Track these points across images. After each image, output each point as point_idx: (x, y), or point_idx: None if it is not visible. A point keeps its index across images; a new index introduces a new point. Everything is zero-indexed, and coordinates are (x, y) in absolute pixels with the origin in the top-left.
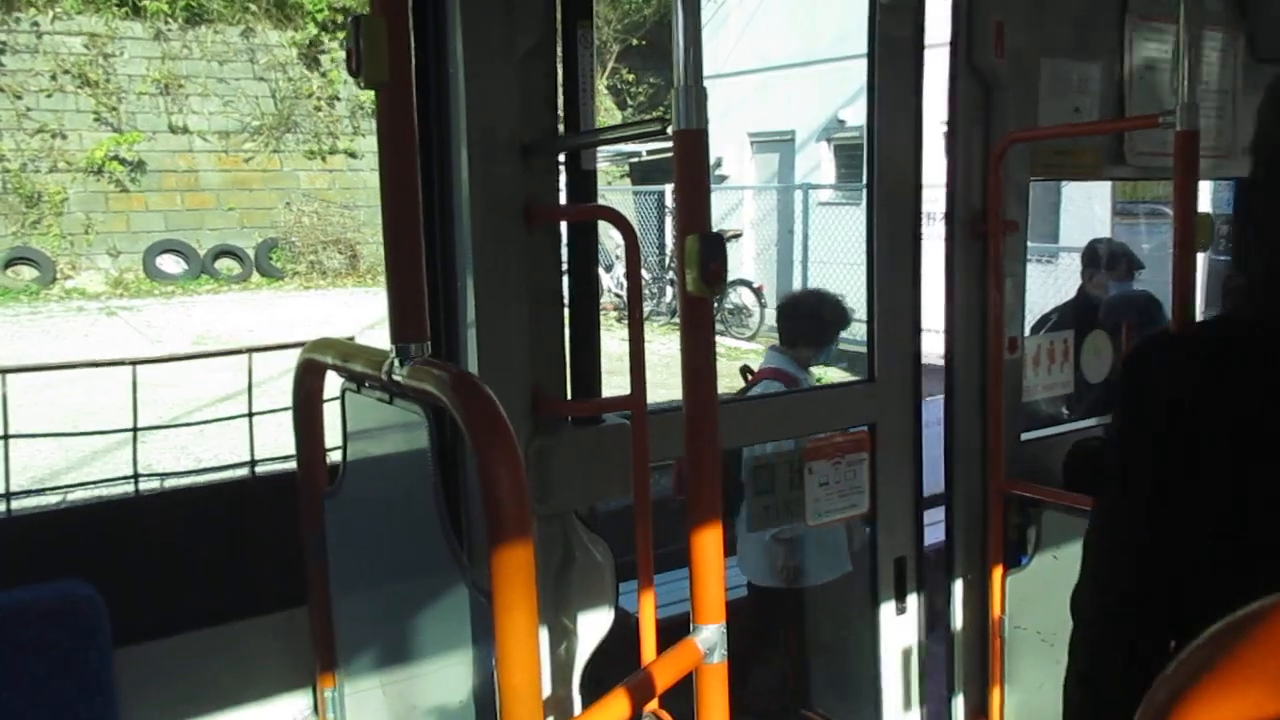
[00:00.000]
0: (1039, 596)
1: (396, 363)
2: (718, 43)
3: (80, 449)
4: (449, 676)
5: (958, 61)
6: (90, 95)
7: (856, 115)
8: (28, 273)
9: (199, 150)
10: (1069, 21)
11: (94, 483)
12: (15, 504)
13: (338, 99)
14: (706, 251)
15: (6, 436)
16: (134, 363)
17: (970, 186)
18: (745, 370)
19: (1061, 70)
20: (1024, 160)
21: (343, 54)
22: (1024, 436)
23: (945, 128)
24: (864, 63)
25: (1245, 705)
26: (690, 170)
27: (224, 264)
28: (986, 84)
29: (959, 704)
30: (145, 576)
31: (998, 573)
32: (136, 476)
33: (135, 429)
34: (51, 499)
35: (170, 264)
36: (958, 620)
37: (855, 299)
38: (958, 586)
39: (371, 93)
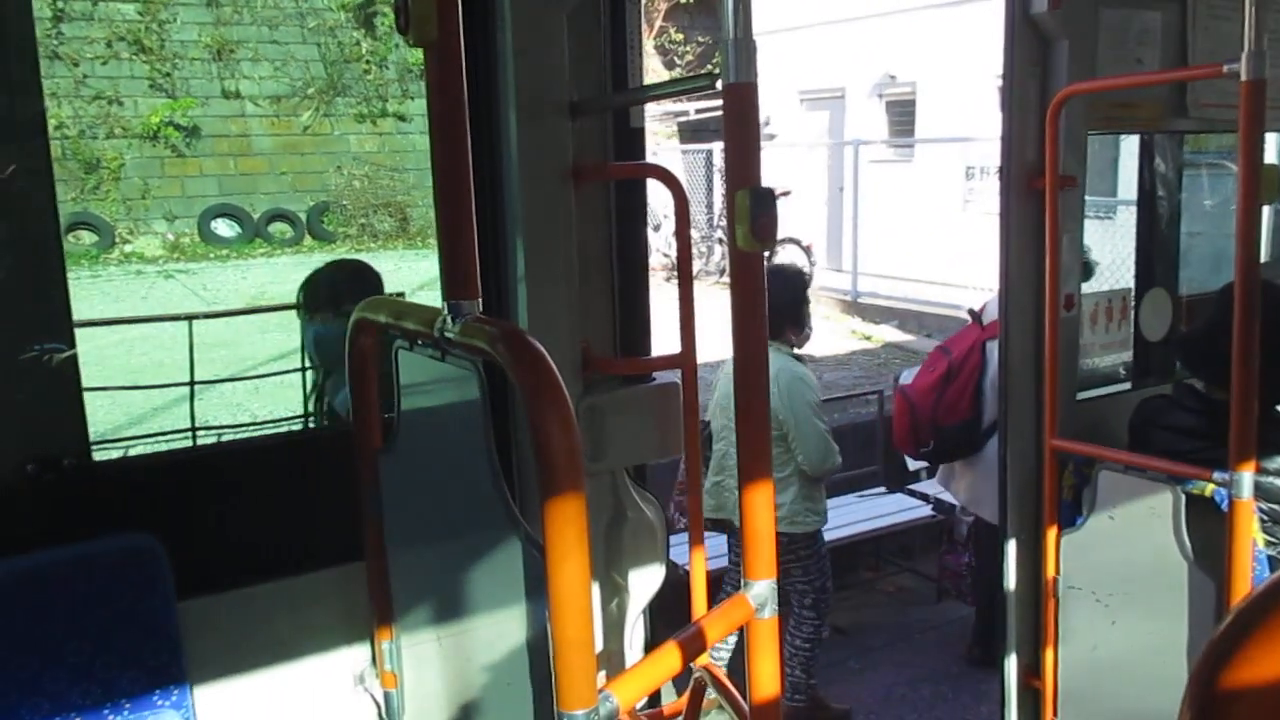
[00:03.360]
0: (1094, 556)
1: (449, 320)
2: None
3: (139, 405)
4: (503, 629)
5: (1014, 13)
6: (145, 62)
7: (907, 71)
8: (88, 237)
9: (251, 115)
10: None
11: (152, 436)
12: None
13: (394, 61)
14: (757, 206)
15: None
16: (190, 318)
17: (1026, 140)
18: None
19: (1121, 20)
20: (1082, 113)
21: (393, 17)
22: (1080, 395)
23: (1001, 80)
24: (917, 16)
25: None
26: (740, 125)
27: (277, 227)
28: (1043, 35)
29: (1011, 663)
30: (207, 530)
31: (1052, 532)
32: (194, 430)
33: (192, 383)
34: (113, 453)
35: (224, 228)
36: (1011, 579)
37: (902, 259)
38: (1011, 547)
39: (420, 54)
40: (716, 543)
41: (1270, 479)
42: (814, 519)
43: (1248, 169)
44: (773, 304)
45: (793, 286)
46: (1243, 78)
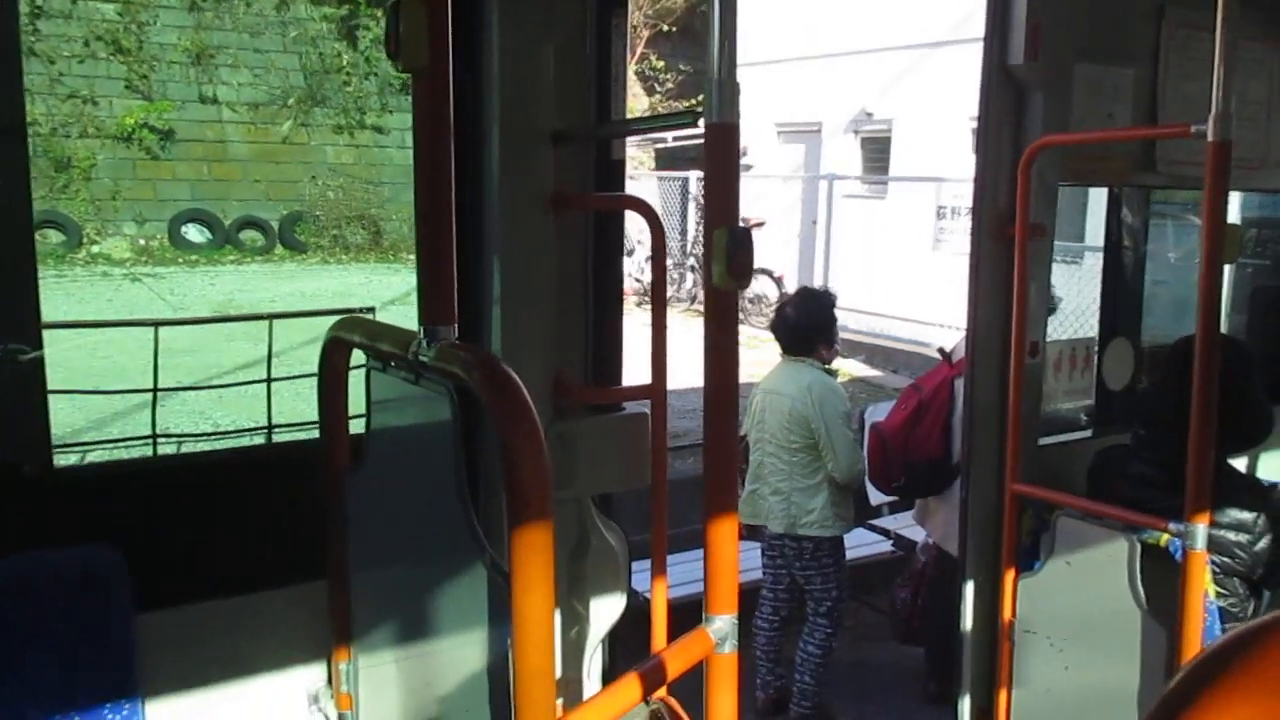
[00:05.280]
0: (1050, 601)
1: (424, 344)
2: (745, 31)
3: (100, 409)
4: (463, 654)
5: (991, 62)
6: (122, 63)
7: (885, 108)
8: (55, 237)
9: (227, 121)
10: (1105, 26)
11: (112, 442)
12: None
13: (375, 74)
14: (734, 245)
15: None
16: (156, 324)
17: (998, 188)
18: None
19: (1095, 75)
20: (1054, 164)
21: (376, 29)
22: (1042, 441)
23: (975, 123)
24: (895, 55)
25: (1249, 718)
26: (721, 164)
27: (248, 235)
28: (1019, 86)
29: (965, 705)
30: (168, 542)
31: (1009, 576)
32: (155, 437)
33: (155, 389)
34: (72, 458)
35: (195, 233)
36: (967, 622)
37: (872, 294)
38: (969, 588)
39: (404, 69)
40: (680, 570)
41: (1223, 532)
42: (841, 524)
43: (1211, 228)
44: (807, 323)
45: (824, 306)
46: (1209, 139)
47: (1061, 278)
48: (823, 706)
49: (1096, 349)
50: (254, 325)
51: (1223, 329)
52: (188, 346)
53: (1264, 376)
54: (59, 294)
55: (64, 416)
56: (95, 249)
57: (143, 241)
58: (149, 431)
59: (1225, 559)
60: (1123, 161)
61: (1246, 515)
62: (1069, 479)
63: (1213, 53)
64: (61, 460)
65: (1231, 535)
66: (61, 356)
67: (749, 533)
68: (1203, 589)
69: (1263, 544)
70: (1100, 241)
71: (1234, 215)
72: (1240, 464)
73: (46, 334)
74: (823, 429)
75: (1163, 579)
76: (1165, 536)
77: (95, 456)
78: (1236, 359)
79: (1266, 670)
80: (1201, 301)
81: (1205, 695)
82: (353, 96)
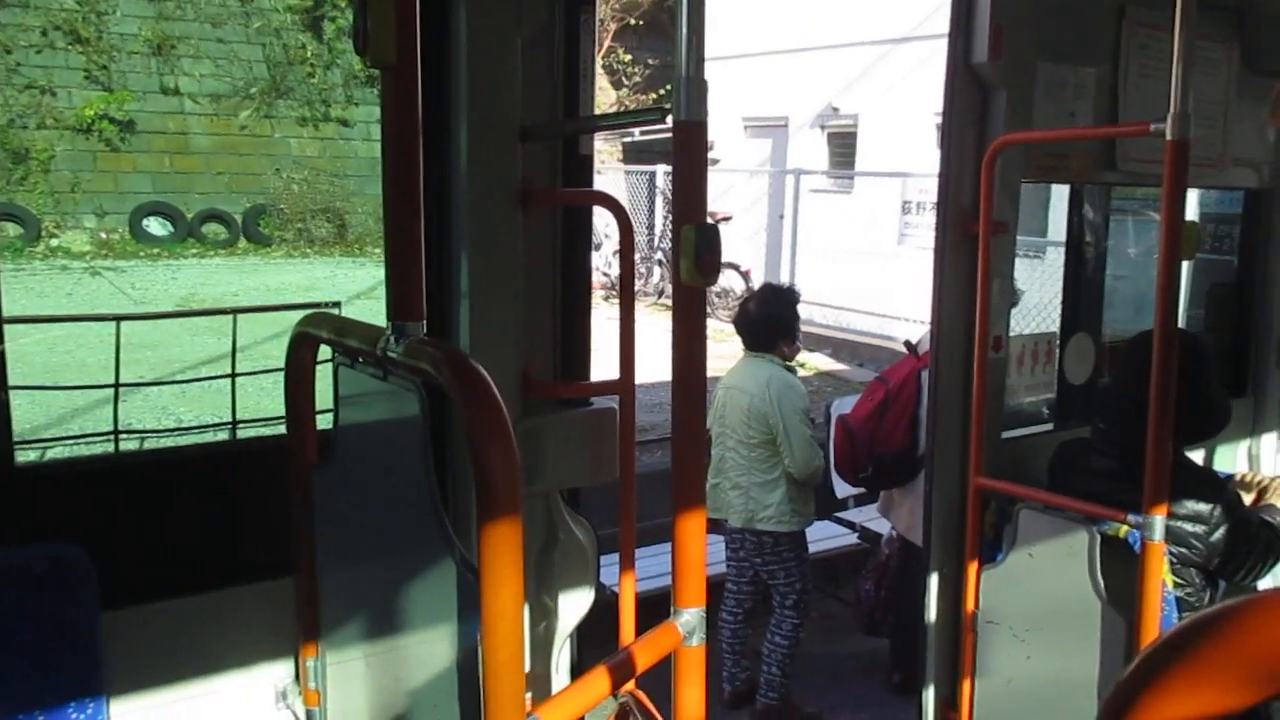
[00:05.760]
0: (1012, 592)
1: (392, 339)
2: (712, 25)
3: (60, 405)
4: (432, 650)
5: (955, 60)
6: (81, 53)
7: (850, 103)
8: (11, 230)
9: (190, 112)
10: (1067, 26)
11: (73, 438)
12: None
13: (339, 65)
14: (702, 242)
15: None
16: (117, 318)
17: (962, 185)
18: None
19: (1058, 74)
20: (1017, 162)
21: (341, 20)
22: (1005, 435)
23: (940, 119)
24: (861, 51)
25: (1202, 702)
26: (689, 161)
27: (211, 228)
28: (983, 85)
29: (929, 695)
30: (132, 539)
31: (973, 568)
32: (117, 433)
33: (117, 385)
34: (31, 454)
35: (157, 226)
36: (931, 613)
37: (838, 288)
38: (933, 580)
39: (372, 64)
40: (648, 564)
41: (1180, 523)
42: (799, 520)
43: (1170, 225)
44: (769, 319)
45: (787, 303)
46: (1168, 137)
47: (1024, 273)
48: (788, 698)
49: (1058, 344)
50: (217, 320)
51: (1181, 324)
52: (150, 341)
53: (1220, 370)
54: (17, 288)
55: (24, 413)
56: (54, 242)
57: (103, 235)
58: (111, 427)
59: (1182, 550)
60: (1084, 159)
61: (1203, 507)
62: (1031, 472)
63: (1172, 53)
64: (22, 457)
65: (1188, 526)
66: (21, 352)
67: (711, 526)
68: (1160, 579)
69: (1218, 535)
70: (1062, 237)
71: (1192, 212)
72: (1197, 457)
73: (5, 329)
74: (780, 425)
75: (1122, 570)
76: (1124, 528)
77: (56, 453)
78: (1194, 353)
79: (1217, 657)
80: (1160, 297)
81: (1159, 681)
82: (317, 88)
